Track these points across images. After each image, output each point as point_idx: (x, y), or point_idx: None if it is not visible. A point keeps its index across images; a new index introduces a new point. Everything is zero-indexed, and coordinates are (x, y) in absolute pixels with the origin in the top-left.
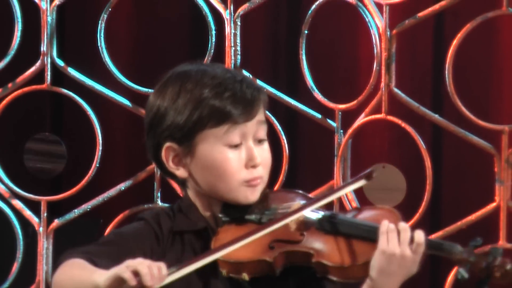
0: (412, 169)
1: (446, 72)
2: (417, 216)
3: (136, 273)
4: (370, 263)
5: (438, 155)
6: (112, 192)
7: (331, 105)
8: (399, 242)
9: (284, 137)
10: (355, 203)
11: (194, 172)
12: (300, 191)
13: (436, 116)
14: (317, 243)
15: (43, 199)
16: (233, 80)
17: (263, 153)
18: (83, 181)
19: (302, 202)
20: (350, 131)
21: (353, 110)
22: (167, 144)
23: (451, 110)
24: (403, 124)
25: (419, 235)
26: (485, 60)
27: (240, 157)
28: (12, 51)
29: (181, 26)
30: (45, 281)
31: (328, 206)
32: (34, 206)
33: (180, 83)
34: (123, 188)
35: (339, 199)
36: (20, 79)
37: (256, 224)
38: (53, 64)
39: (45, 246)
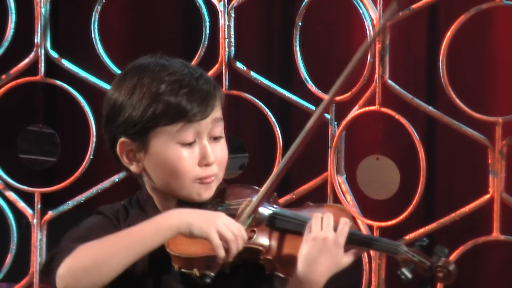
0: (406, 161)
1: (440, 63)
2: (410, 208)
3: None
4: None
5: (432, 147)
6: (106, 183)
7: (325, 96)
8: (321, 227)
9: (278, 129)
10: (349, 196)
11: (148, 168)
12: (257, 187)
13: (430, 108)
14: (267, 240)
15: (37, 190)
16: (190, 77)
17: (218, 150)
18: (77, 173)
19: (254, 198)
20: (344, 122)
21: (347, 101)
22: (122, 139)
23: (445, 102)
24: (397, 116)
25: (344, 219)
26: (479, 52)
27: (194, 155)
28: (5, 43)
29: (175, 18)
30: (38, 272)
31: (322, 196)
32: (28, 198)
33: (138, 77)
34: (116, 179)
35: (333, 191)
36: (14, 70)
37: None
38: (47, 55)
39: (38, 238)
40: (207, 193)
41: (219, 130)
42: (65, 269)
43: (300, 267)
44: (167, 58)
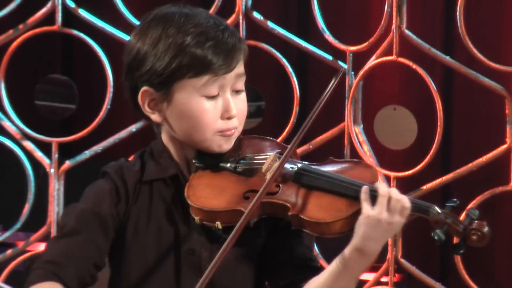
0: (423, 111)
1: (458, 13)
2: (428, 159)
3: None
4: (347, 220)
5: (449, 97)
6: (123, 133)
7: (342, 47)
8: (388, 209)
9: (295, 79)
10: (366, 146)
11: (169, 118)
12: (274, 139)
13: (447, 58)
14: (294, 196)
15: (54, 140)
16: (216, 29)
17: (239, 103)
18: (94, 123)
19: (277, 151)
20: (361, 73)
21: (364, 52)
22: (144, 88)
23: (462, 52)
24: (414, 66)
25: (405, 200)
26: (497, 1)
27: (216, 108)
28: None
29: None
30: (56, 222)
31: (339, 146)
32: (45, 148)
33: (162, 27)
34: (134, 129)
35: (350, 141)
36: (31, 20)
37: (231, 172)
38: (64, 5)
39: (56, 188)
40: (228, 144)
41: (241, 84)
42: None
43: (359, 242)
44: (191, 8)
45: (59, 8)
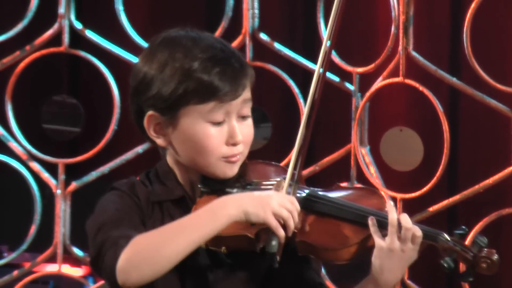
0: (430, 133)
1: (464, 35)
2: (434, 180)
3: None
4: (354, 247)
5: (456, 118)
6: (129, 154)
7: (349, 68)
8: (399, 238)
9: (301, 100)
10: (373, 167)
11: (174, 142)
12: (278, 164)
13: (454, 79)
14: (301, 223)
15: (61, 161)
16: (223, 55)
17: (245, 129)
18: (101, 144)
19: (283, 177)
20: (367, 94)
21: (370, 73)
22: (150, 112)
23: (468, 73)
24: (421, 87)
25: (416, 228)
26: (503, 23)
27: (222, 134)
28: (30, 13)
29: None
30: (62, 243)
31: (346, 168)
32: (51, 169)
33: (169, 51)
34: (140, 150)
35: (356, 163)
36: (38, 41)
37: None
38: (71, 26)
39: (62, 209)
40: (232, 171)
41: (247, 109)
42: (125, 262)
43: (377, 274)
44: (198, 32)
45: (66, 29)
